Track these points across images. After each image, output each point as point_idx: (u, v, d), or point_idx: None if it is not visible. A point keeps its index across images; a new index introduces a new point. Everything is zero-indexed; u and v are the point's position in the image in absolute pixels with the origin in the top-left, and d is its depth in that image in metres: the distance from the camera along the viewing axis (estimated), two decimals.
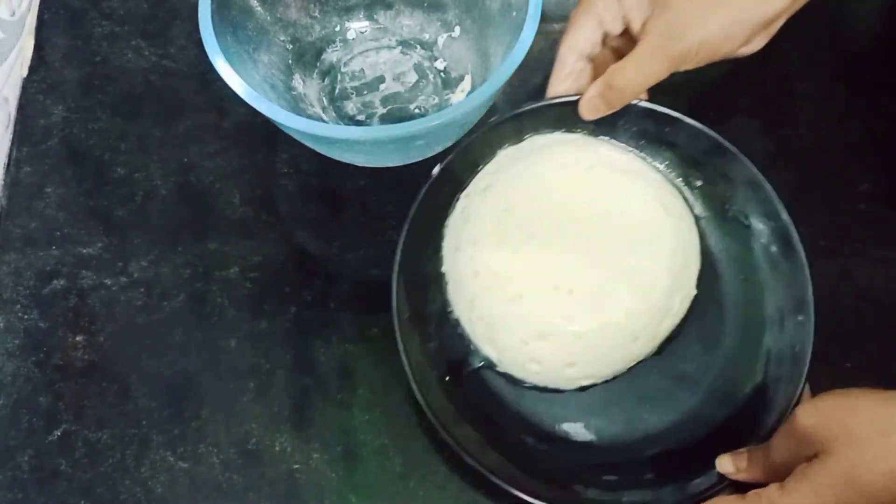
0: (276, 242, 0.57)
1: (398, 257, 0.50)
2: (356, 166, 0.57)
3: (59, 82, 0.62)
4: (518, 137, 0.54)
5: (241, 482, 0.50)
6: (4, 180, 0.59)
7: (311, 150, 0.55)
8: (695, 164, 0.54)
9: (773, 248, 0.51)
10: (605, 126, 0.54)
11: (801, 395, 0.48)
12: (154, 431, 0.51)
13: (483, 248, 0.51)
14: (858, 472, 0.40)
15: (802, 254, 0.50)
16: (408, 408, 0.52)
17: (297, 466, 0.50)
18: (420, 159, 0.55)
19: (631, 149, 0.54)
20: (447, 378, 0.50)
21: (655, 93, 0.53)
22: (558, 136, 0.54)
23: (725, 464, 0.47)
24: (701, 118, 0.55)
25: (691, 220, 0.53)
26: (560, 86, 0.54)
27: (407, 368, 0.48)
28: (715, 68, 0.54)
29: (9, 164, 0.59)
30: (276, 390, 0.52)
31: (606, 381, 0.51)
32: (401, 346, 0.48)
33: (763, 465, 0.45)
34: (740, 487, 0.46)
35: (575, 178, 0.52)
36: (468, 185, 0.54)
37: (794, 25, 0.53)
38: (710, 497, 0.46)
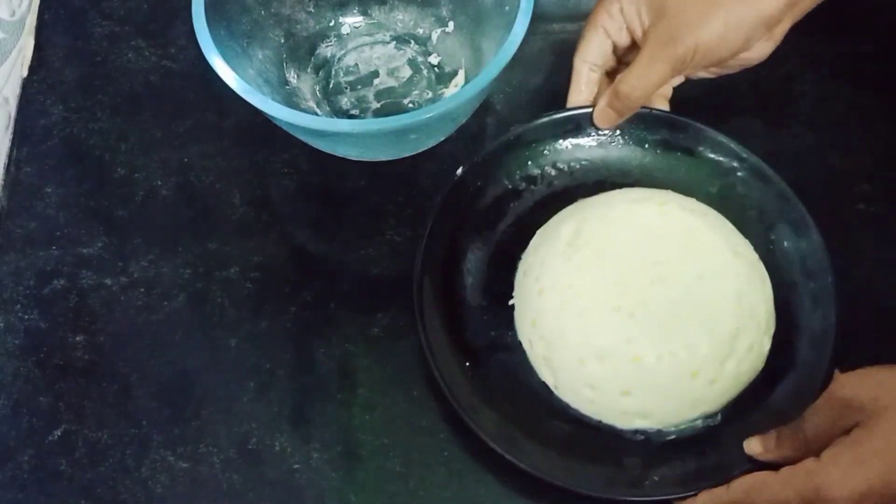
0: (276, 242, 0.57)
1: (423, 246, 0.51)
2: (356, 166, 0.57)
3: (59, 82, 0.62)
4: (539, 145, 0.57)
5: (241, 482, 0.50)
6: (4, 180, 0.59)
7: (310, 150, 0.55)
8: (711, 168, 0.55)
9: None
10: (626, 135, 0.57)
11: (829, 374, 0.47)
12: (154, 431, 0.51)
13: (551, 266, 0.51)
14: None
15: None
16: (408, 408, 0.52)
17: (297, 466, 0.50)
18: (414, 153, 0.56)
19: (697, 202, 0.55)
20: (467, 364, 0.50)
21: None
22: (627, 190, 0.56)
23: (753, 445, 0.46)
24: (701, 118, 0.55)
25: (763, 271, 0.53)
26: (578, 96, 0.56)
27: (429, 356, 0.49)
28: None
29: (9, 164, 0.59)
30: (276, 390, 0.52)
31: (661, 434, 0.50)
32: (422, 337, 0.49)
33: (794, 443, 0.45)
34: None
35: (648, 211, 0.53)
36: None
37: (794, 25, 0.53)
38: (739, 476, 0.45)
